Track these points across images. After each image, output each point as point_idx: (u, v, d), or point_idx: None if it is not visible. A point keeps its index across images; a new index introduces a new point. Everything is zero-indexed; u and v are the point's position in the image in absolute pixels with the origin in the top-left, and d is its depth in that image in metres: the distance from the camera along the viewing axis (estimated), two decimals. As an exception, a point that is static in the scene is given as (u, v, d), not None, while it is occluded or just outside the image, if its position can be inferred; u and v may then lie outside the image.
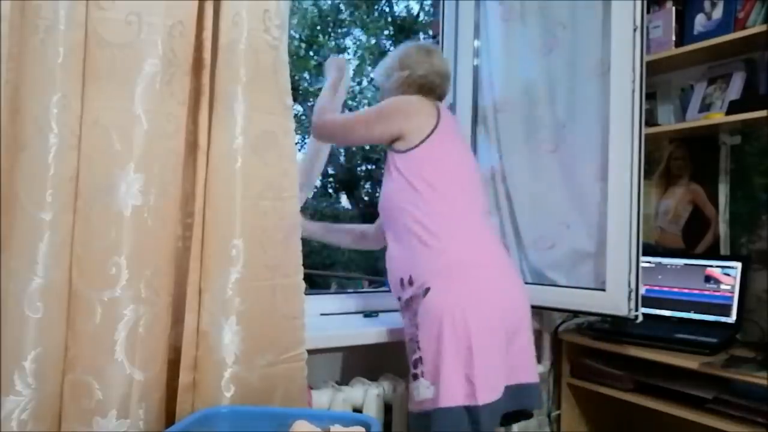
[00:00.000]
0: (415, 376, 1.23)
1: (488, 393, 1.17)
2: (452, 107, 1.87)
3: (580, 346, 1.77)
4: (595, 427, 1.88)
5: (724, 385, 1.43)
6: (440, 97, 1.50)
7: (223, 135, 1.06)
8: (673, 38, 1.85)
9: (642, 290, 1.46)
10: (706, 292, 1.74)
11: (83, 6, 0.97)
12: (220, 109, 1.06)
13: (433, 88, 1.47)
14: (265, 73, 1.09)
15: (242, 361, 1.04)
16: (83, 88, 0.97)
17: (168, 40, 1.00)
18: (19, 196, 0.93)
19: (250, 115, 1.07)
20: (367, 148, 6.64)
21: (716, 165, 1.85)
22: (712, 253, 1.84)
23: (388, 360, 1.51)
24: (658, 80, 1.97)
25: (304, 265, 1.18)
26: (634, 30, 1.44)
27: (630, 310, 1.43)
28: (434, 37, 2.04)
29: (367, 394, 1.39)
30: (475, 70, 1.87)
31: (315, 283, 5.22)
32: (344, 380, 1.49)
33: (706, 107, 1.81)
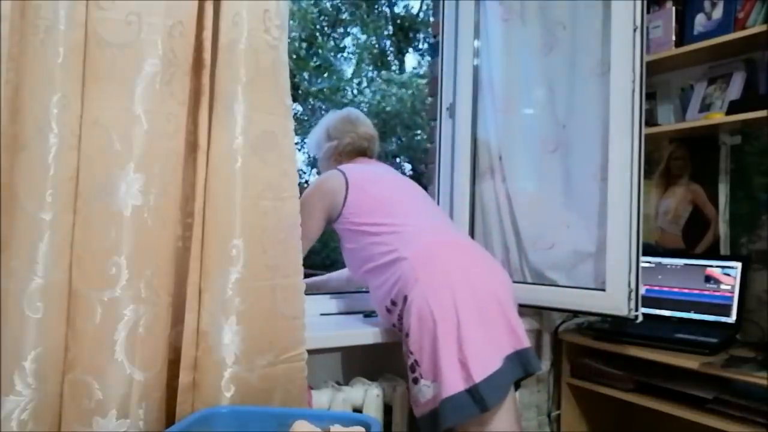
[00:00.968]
0: (415, 380, 1.25)
1: (482, 368, 1.18)
2: (452, 107, 1.88)
3: (580, 346, 1.77)
4: (595, 427, 1.88)
5: (724, 385, 1.43)
6: (371, 155, 1.64)
7: (223, 135, 1.06)
8: (673, 38, 1.85)
9: (642, 290, 1.46)
10: (706, 292, 1.74)
11: (83, 6, 0.96)
12: (220, 109, 1.06)
13: (362, 151, 1.61)
14: (265, 73, 1.09)
15: (242, 361, 1.04)
16: (83, 88, 0.97)
17: (168, 40, 1.00)
18: (19, 196, 0.93)
19: (250, 115, 1.07)
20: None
21: (716, 165, 1.85)
22: (712, 253, 1.84)
23: (388, 360, 1.52)
24: (658, 80, 1.98)
25: (304, 265, 1.18)
26: (634, 30, 1.44)
27: (630, 310, 1.43)
28: (434, 36, 2.04)
29: (367, 394, 1.39)
30: (475, 70, 1.87)
31: (315, 283, 5.20)
32: (344, 380, 1.49)
33: (706, 107, 1.81)
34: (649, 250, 1.88)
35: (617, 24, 1.48)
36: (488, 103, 1.86)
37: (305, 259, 1.19)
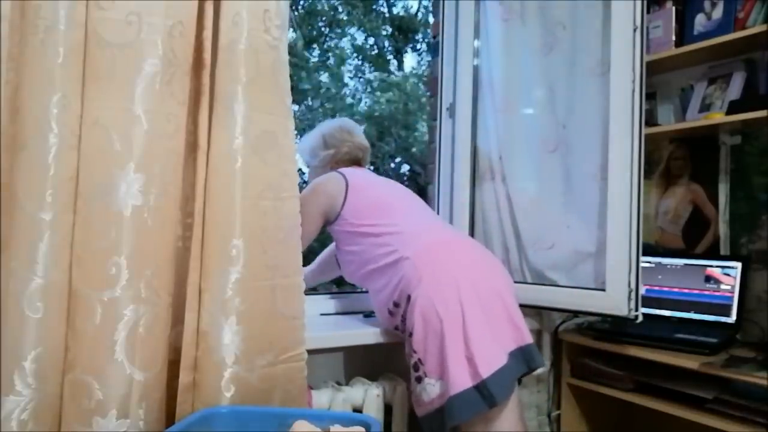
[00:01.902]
0: (419, 379, 1.24)
1: (489, 364, 1.19)
2: (452, 107, 1.88)
3: (580, 346, 1.77)
4: (595, 427, 1.88)
5: (724, 385, 1.43)
6: (364, 165, 1.67)
7: (223, 135, 1.06)
8: (673, 38, 1.85)
9: (642, 290, 1.46)
10: (706, 292, 1.74)
11: (83, 6, 0.96)
12: (220, 109, 1.06)
13: (357, 160, 1.64)
14: (265, 73, 1.09)
15: (242, 361, 1.04)
16: (83, 88, 0.97)
17: (168, 40, 1.00)
18: (18, 196, 0.93)
19: (250, 115, 1.07)
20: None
21: (716, 165, 1.85)
22: (712, 253, 1.84)
23: (388, 360, 1.52)
24: (658, 80, 1.98)
25: (304, 265, 1.18)
26: (634, 30, 1.44)
27: (630, 310, 1.43)
28: (434, 37, 2.04)
29: (367, 394, 1.39)
30: (475, 70, 1.87)
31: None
32: (344, 380, 1.49)
33: (706, 107, 1.81)
34: (649, 250, 1.88)
35: (617, 24, 1.48)
36: (488, 103, 1.86)
37: (305, 259, 1.19)
